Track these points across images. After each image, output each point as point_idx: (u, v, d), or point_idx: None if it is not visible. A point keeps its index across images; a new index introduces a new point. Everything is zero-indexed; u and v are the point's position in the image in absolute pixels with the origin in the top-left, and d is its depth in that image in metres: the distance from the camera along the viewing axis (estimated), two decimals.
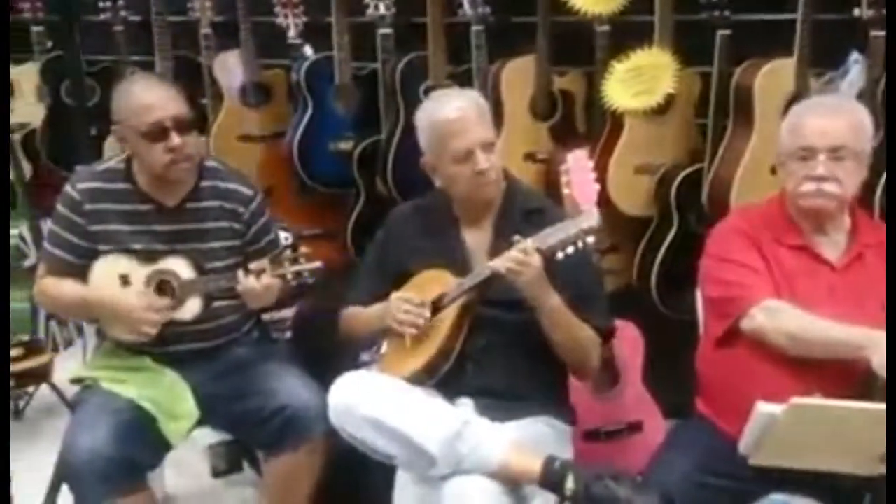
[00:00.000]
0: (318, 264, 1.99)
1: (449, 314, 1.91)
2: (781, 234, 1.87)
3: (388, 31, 2.66)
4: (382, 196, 2.73)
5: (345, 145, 2.80)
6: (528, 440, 1.80)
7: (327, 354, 2.19)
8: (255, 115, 2.87)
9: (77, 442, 1.90)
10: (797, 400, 1.56)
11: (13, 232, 2.94)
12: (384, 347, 2.00)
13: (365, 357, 2.13)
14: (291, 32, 2.78)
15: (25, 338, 1.64)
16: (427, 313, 1.91)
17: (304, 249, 2.01)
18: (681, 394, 2.04)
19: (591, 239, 1.78)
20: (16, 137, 2.98)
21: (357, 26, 2.74)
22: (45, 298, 2.15)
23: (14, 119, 2.95)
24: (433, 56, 2.63)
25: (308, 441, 1.99)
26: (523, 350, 1.91)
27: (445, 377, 1.90)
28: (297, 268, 1.97)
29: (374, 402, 1.81)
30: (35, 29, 3.14)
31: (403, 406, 1.81)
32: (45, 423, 2.60)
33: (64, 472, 1.94)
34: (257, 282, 1.93)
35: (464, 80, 2.59)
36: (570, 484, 1.69)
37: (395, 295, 1.95)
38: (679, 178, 2.45)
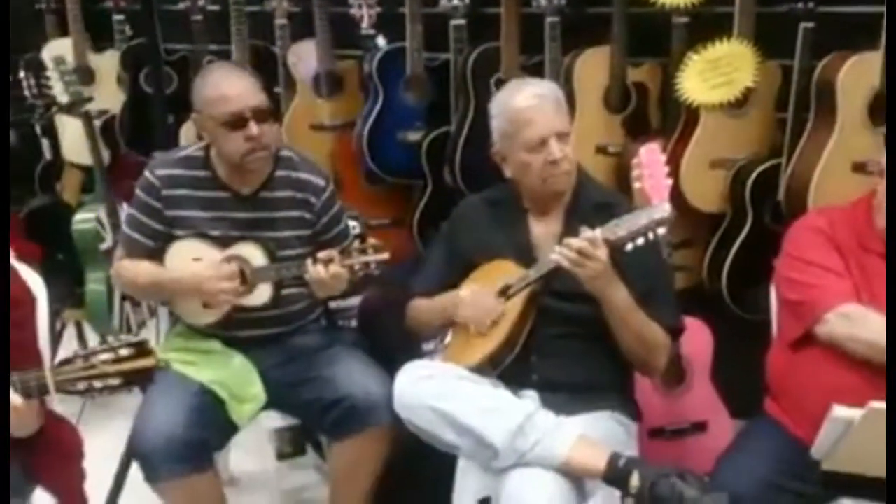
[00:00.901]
0: (385, 255, 1.99)
1: (514, 305, 1.90)
2: (867, 239, 1.80)
3: (461, 21, 2.66)
4: (449, 187, 2.73)
5: (414, 136, 2.80)
6: (593, 435, 1.78)
7: (392, 343, 2.20)
8: (327, 104, 2.89)
9: (148, 422, 1.95)
10: (875, 404, 1.51)
11: (91, 216, 3.04)
12: (448, 337, 2.00)
13: (429, 346, 2.13)
14: (365, 23, 2.79)
15: (135, 339, 1.68)
16: (500, 309, 1.90)
17: (372, 240, 2.02)
18: (750, 394, 1.99)
19: (662, 231, 1.74)
20: (96, 123, 3.06)
21: (430, 17, 2.74)
22: (122, 280, 2.21)
23: (95, 106, 3.03)
24: (506, 47, 2.61)
25: (371, 428, 2.01)
26: (590, 343, 1.89)
27: (510, 369, 1.90)
28: (364, 258, 1.98)
29: (439, 392, 1.82)
30: (116, 17, 3.23)
31: (468, 397, 1.81)
32: (117, 401, 2.67)
33: (134, 450, 1.99)
34: (325, 271, 1.95)
35: (536, 72, 2.56)
36: (634, 481, 1.66)
37: (467, 289, 1.95)
38: (755, 174, 2.38)
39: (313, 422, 2.20)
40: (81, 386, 1.66)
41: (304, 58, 2.87)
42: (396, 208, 2.94)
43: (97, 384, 1.66)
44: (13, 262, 2.04)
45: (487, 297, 1.92)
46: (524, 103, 1.90)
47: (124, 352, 1.66)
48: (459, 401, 1.80)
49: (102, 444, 2.16)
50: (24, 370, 1.71)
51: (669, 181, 1.93)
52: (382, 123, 2.79)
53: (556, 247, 1.81)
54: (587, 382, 1.90)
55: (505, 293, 1.92)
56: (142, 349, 1.66)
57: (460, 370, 1.88)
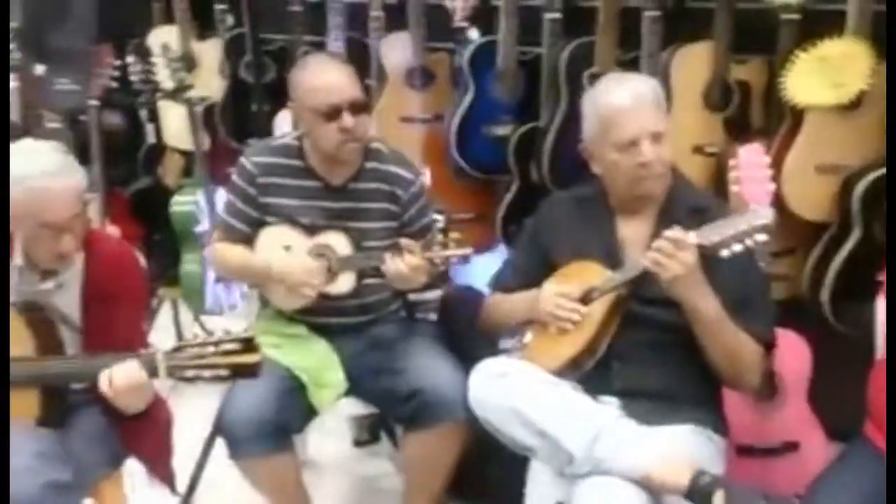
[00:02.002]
0: (468, 250, 1.98)
1: (598, 308, 1.85)
2: None
3: (556, 15, 2.60)
4: (536, 184, 2.68)
5: (502, 131, 2.77)
6: (676, 449, 1.71)
7: (470, 339, 2.18)
8: (417, 97, 2.89)
9: (234, 401, 2.00)
10: None
11: (189, 199, 3.14)
12: (528, 336, 1.97)
13: (506, 344, 2.11)
14: (458, 16, 2.78)
15: (243, 335, 1.75)
16: (584, 310, 1.85)
17: (455, 234, 2.01)
18: (849, 416, 1.87)
19: (760, 238, 1.66)
20: (197, 110, 3.15)
21: (524, 10, 2.70)
22: (216, 262, 2.29)
23: (196, 92, 3.12)
24: (601, 42, 2.54)
25: (446, 422, 2.00)
26: (677, 352, 1.82)
27: (590, 373, 1.85)
28: (446, 252, 1.97)
29: (516, 392, 1.79)
30: (218, 6, 3.31)
31: (546, 399, 1.77)
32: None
33: (221, 427, 2.05)
34: (403, 263, 1.95)
35: (631, 68, 2.48)
36: (718, 501, 1.59)
37: (549, 288, 1.91)
38: (866, 182, 2.24)
39: (389, 411, 2.23)
40: (190, 373, 1.73)
41: (397, 50, 2.87)
42: (481, 203, 2.91)
43: (206, 374, 1.73)
44: (126, 243, 2.14)
45: (570, 297, 1.87)
46: (618, 100, 1.83)
47: (232, 346, 1.72)
48: (537, 402, 1.76)
49: (191, 419, 2.23)
50: (133, 350, 1.79)
51: (771, 186, 1.84)
52: (472, 117, 2.76)
53: (649, 252, 1.73)
54: (672, 393, 1.83)
55: (589, 295, 1.87)
56: (249, 345, 1.73)
57: (539, 371, 1.84)
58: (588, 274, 1.90)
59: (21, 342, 1.86)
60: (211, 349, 1.73)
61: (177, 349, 1.75)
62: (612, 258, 1.89)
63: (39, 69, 3.62)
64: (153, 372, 1.76)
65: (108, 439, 1.93)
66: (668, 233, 1.69)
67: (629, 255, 1.88)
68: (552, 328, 1.89)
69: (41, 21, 3.63)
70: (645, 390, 1.82)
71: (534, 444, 1.77)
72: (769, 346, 1.86)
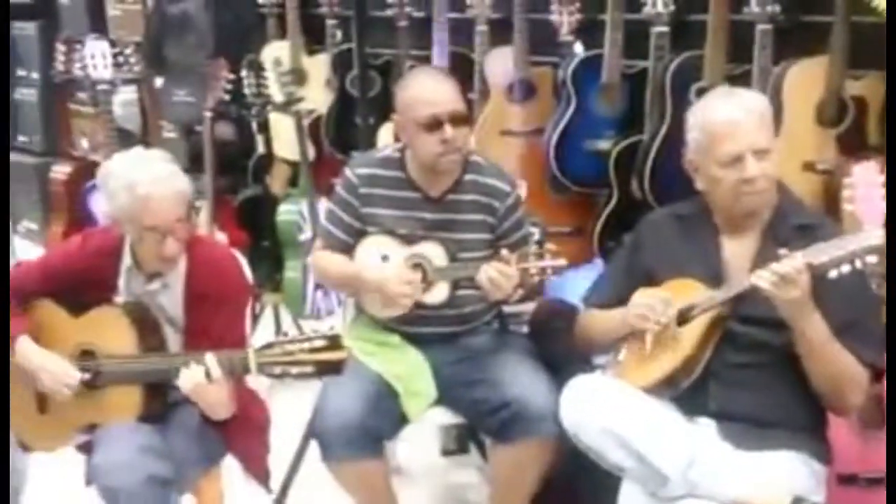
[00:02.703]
0: (562, 262, 1.96)
1: (696, 326, 1.80)
2: None
3: (663, 28, 2.56)
4: (636, 199, 2.64)
5: (603, 145, 2.74)
6: (775, 475, 1.65)
7: (562, 353, 2.16)
8: (518, 111, 2.89)
9: (328, 404, 2.04)
10: None
11: (293, 208, 3.23)
12: (622, 354, 1.93)
13: (600, 361, 2.07)
14: (564, 29, 2.77)
15: (330, 332, 1.80)
16: (672, 312, 1.80)
17: (550, 246, 1.99)
18: None
19: (872, 259, 1.58)
20: (304, 122, 3.25)
21: (630, 23, 2.67)
22: (317, 269, 2.35)
23: (304, 105, 3.22)
24: (711, 56, 2.48)
25: (535, 437, 1.98)
26: (778, 374, 1.75)
27: (686, 394, 1.79)
28: (541, 264, 1.95)
29: (610, 410, 1.76)
30: (329, 22, 3.42)
31: (640, 419, 1.74)
32: (302, 383, 2.85)
33: (314, 430, 2.09)
34: (497, 273, 1.94)
35: (741, 83, 2.41)
36: None
37: (637, 293, 1.87)
38: None
39: (478, 422, 2.21)
40: (278, 370, 1.80)
41: (500, 64, 2.89)
42: (578, 217, 2.88)
43: (293, 370, 1.79)
44: (228, 247, 2.23)
45: (658, 297, 1.82)
46: (723, 115, 1.79)
47: (319, 343, 1.77)
48: (631, 421, 1.73)
49: (285, 420, 2.29)
50: (232, 349, 1.86)
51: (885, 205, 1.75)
52: (572, 131, 2.75)
53: (760, 270, 1.67)
54: (772, 417, 1.75)
55: (687, 313, 1.82)
56: (335, 342, 1.78)
57: (633, 389, 1.81)
58: (687, 292, 1.84)
59: (125, 340, 1.95)
60: (298, 346, 1.78)
61: (267, 346, 1.81)
62: (715, 277, 1.83)
63: (159, 81, 3.84)
64: (245, 369, 1.82)
65: (207, 437, 2.00)
66: (788, 258, 1.63)
67: (733, 274, 1.82)
68: (647, 345, 1.84)
69: (162, 36, 3.85)
70: (743, 413, 1.76)
71: (626, 464, 1.73)
72: (877, 371, 1.76)
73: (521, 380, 2.03)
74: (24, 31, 4.47)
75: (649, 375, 1.82)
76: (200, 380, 1.83)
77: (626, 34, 2.66)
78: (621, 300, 1.95)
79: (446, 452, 2.65)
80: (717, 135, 1.78)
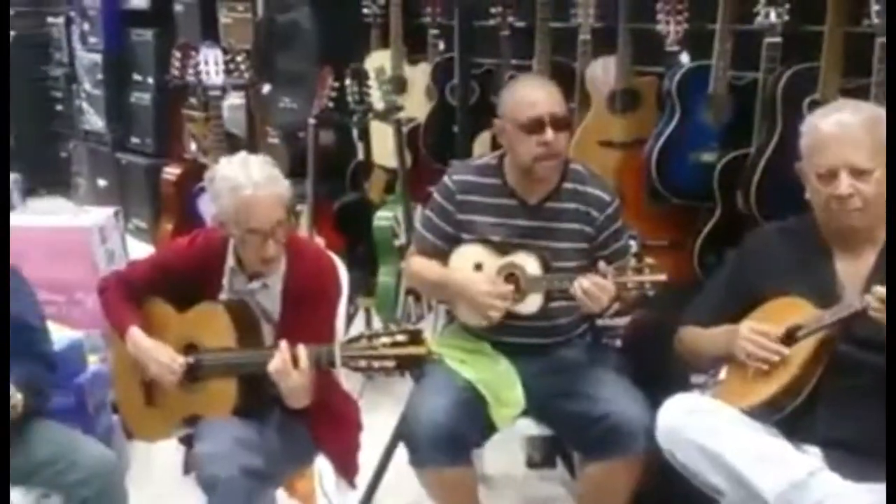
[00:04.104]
0: (662, 276, 1.90)
1: (803, 347, 1.72)
2: None
3: (776, 39, 2.47)
4: (740, 213, 2.55)
5: (708, 157, 2.66)
6: None
7: (657, 370, 2.10)
8: (619, 121, 2.85)
9: (418, 409, 2.04)
10: None
11: (389, 214, 3.27)
12: (723, 373, 1.86)
13: (698, 380, 2.00)
14: (671, 39, 2.72)
15: (412, 327, 1.82)
16: (785, 352, 1.73)
17: (649, 259, 1.94)
18: None
19: None
20: (403, 130, 3.28)
21: (740, 34, 2.59)
22: (410, 274, 2.36)
23: (404, 114, 3.26)
24: (826, 68, 2.38)
25: (628, 454, 1.94)
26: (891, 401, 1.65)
27: (791, 418, 1.72)
28: (639, 278, 1.91)
29: (710, 430, 1.71)
30: (432, 32, 3.45)
31: (742, 440, 1.69)
32: (391, 387, 2.88)
33: (403, 433, 2.10)
34: (592, 286, 1.91)
35: (856, 96, 2.30)
36: None
37: (749, 324, 1.81)
38: None
39: (568, 436, 2.18)
40: (363, 364, 1.82)
41: (603, 73, 2.85)
42: (677, 230, 2.81)
43: (375, 364, 1.81)
44: (325, 250, 2.28)
45: (771, 337, 1.75)
46: (825, 127, 1.75)
47: (401, 337, 1.80)
48: (732, 443, 1.68)
49: (373, 424, 2.31)
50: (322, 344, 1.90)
51: None
52: (675, 142, 2.69)
53: (873, 289, 1.60)
54: (883, 446, 1.65)
55: (794, 334, 1.74)
56: (416, 337, 1.79)
57: (734, 410, 1.75)
58: (793, 312, 1.77)
59: (225, 336, 2.02)
60: (381, 340, 1.81)
61: (351, 340, 1.84)
62: (826, 296, 1.76)
63: (266, 88, 3.95)
64: (331, 361, 1.85)
65: (299, 436, 2.04)
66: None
67: (845, 295, 1.74)
68: (750, 367, 1.78)
69: (271, 44, 3.97)
70: (853, 442, 1.67)
71: (724, 487, 1.69)
72: None
73: (613, 395, 2.00)
74: (142, 37, 4.68)
75: (752, 396, 1.76)
76: (287, 363, 1.87)
77: (736, 44, 2.59)
78: (722, 318, 1.89)
79: (532, 465, 2.63)
80: (815, 146, 1.76)
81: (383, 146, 3.46)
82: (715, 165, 2.64)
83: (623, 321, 2.30)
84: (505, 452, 2.63)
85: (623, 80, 2.82)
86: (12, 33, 5.47)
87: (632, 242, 2.16)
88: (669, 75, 2.72)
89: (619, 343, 2.32)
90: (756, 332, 1.78)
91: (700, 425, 1.72)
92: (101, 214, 3.27)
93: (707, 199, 2.67)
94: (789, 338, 1.75)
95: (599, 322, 2.25)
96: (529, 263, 2.09)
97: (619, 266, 1.94)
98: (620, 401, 1.97)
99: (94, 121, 5.07)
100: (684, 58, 2.73)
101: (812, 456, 1.68)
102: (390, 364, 1.81)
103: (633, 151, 2.84)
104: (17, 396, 1.89)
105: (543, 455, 2.57)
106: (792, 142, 1.87)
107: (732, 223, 2.56)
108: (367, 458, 2.24)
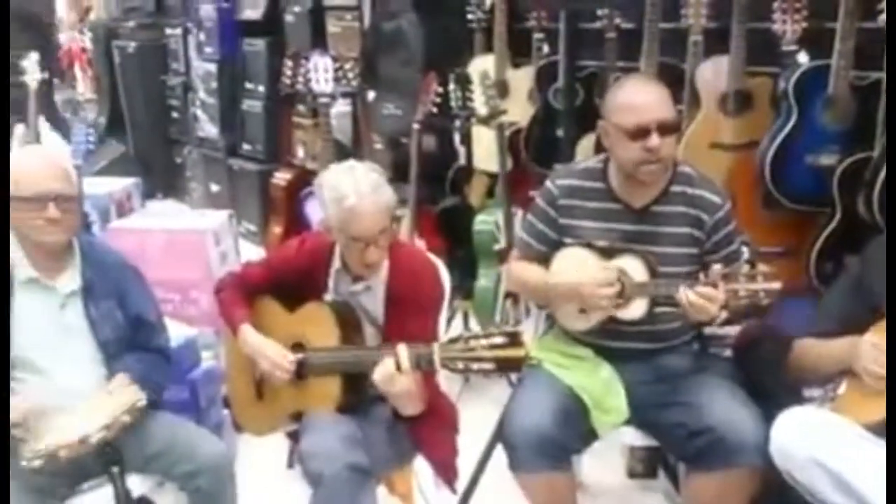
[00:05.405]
0: (776, 285, 1.82)
1: None
2: None
3: None
4: (861, 219, 2.43)
5: (827, 160, 2.55)
6: None
7: (768, 381, 2.01)
8: (731, 123, 2.76)
9: (518, 413, 2.02)
10: None
11: (490, 219, 3.26)
12: (842, 387, 1.77)
13: (814, 393, 1.90)
14: (787, 38, 2.62)
15: (510, 329, 1.81)
16: None
17: (763, 267, 1.86)
18: None
19: None
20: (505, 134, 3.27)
21: (864, 32, 2.46)
22: (512, 278, 2.35)
23: (506, 118, 3.25)
24: None
25: (735, 466, 1.86)
26: None
27: None
28: (751, 286, 1.83)
29: (828, 447, 1.64)
30: (536, 36, 3.43)
31: (860, 457, 1.61)
32: (488, 388, 2.91)
33: (502, 435, 2.08)
34: (697, 297, 1.85)
35: None
36: None
37: (870, 338, 1.72)
38: None
39: (673, 447, 2.11)
40: (461, 365, 1.82)
41: (714, 74, 2.77)
42: (792, 237, 2.70)
43: (474, 366, 1.81)
44: (427, 254, 2.30)
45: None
46: None
47: (500, 339, 1.78)
48: (853, 461, 1.61)
49: (470, 426, 2.30)
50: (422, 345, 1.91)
51: None
52: (791, 145, 2.58)
53: None
54: None
55: None
56: (515, 339, 1.78)
57: (855, 427, 1.67)
58: None
59: (329, 335, 2.06)
60: (480, 342, 1.80)
61: (451, 341, 1.84)
62: None
63: (371, 95, 4.03)
64: (430, 363, 1.85)
65: (399, 435, 2.06)
66: None
67: None
68: (869, 382, 1.70)
69: (376, 51, 4.04)
70: None
71: None
72: None
73: (721, 405, 1.92)
74: (254, 46, 4.86)
75: (873, 413, 1.67)
76: (391, 369, 1.88)
77: (858, 43, 2.47)
78: (842, 330, 1.80)
79: (633, 475, 2.56)
80: None
81: (484, 151, 3.47)
82: (834, 169, 2.53)
83: (733, 330, 2.21)
84: (605, 460, 2.57)
85: (736, 80, 2.74)
86: (133, 45, 5.79)
87: (744, 249, 2.07)
88: (785, 75, 2.62)
89: (728, 352, 2.22)
90: (877, 347, 1.69)
91: (819, 441, 1.65)
92: (216, 218, 3.40)
93: (823, 204, 2.56)
94: None
95: (707, 330, 2.17)
96: (635, 268, 2.03)
97: (730, 273, 1.87)
98: (729, 412, 1.90)
99: (208, 128, 5.30)
100: (802, 57, 2.63)
101: None
102: (489, 366, 1.80)
103: (745, 154, 2.75)
104: (140, 395, 1.96)
105: (645, 466, 2.51)
106: None
107: (852, 229, 2.46)
108: (463, 460, 2.24)
